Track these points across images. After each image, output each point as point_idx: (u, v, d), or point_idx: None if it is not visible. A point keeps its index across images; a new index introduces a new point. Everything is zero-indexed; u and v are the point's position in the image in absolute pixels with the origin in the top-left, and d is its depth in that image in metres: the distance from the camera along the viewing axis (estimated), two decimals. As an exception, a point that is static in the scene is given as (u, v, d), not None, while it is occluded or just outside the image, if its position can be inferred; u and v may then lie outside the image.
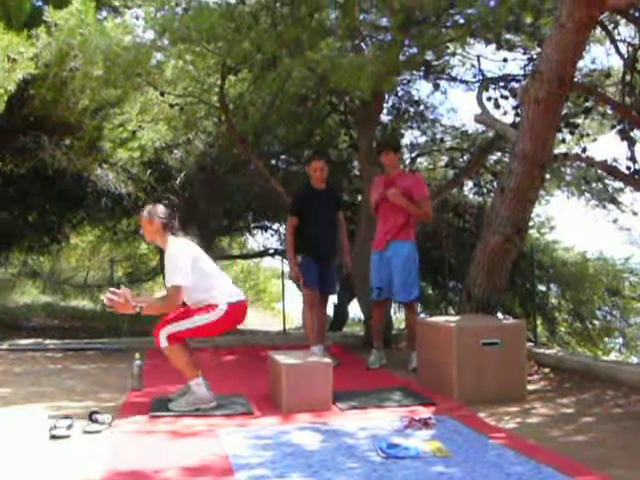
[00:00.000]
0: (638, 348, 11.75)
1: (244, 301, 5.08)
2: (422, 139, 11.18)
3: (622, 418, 4.60)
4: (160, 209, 4.97)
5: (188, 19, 7.26)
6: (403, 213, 6.53)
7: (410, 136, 11.25)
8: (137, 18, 8.95)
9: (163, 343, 4.78)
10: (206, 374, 4.99)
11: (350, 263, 7.01)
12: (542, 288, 11.53)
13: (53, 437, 4.06)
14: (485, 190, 11.48)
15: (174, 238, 4.95)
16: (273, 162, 11.04)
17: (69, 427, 4.15)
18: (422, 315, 11.90)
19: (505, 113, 8.68)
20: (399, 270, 6.51)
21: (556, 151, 8.00)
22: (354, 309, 13.14)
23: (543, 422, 4.58)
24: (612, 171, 7.99)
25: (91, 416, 4.34)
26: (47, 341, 8.49)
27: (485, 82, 8.65)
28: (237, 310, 4.97)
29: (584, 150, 8.62)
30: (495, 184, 10.41)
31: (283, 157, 11.24)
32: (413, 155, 11.19)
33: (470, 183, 11.56)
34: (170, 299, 4.77)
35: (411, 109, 10.57)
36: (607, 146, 9.59)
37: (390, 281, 6.58)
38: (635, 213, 10.99)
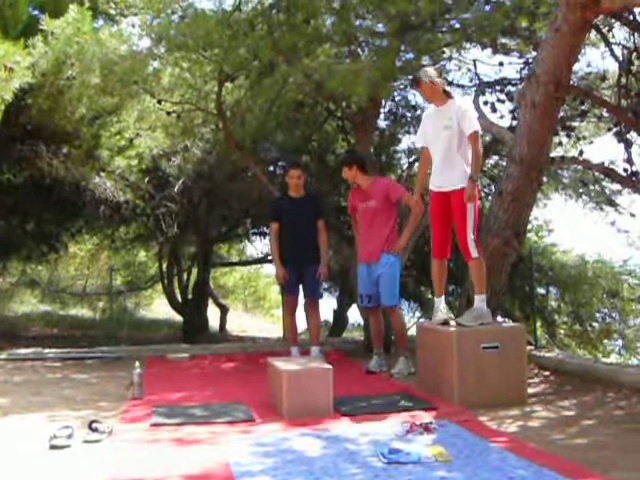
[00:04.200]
0: (638, 350, 11.73)
1: None
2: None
3: (623, 420, 4.59)
4: (432, 72, 5.65)
5: (184, 26, 7.26)
6: (388, 224, 6.62)
7: (407, 141, 11.28)
8: (133, 26, 8.93)
9: (475, 254, 5.48)
10: (206, 381, 5.00)
11: (324, 271, 7.07)
12: (541, 291, 11.51)
13: (53, 447, 4.03)
14: (483, 194, 11.47)
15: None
16: (271, 168, 11.03)
17: (69, 436, 4.13)
18: (421, 320, 11.91)
19: (502, 117, 8.70)
20: (384, 277, 6.60)
21: (553, 154, 8.02)
22: (354, 314, 13.14)
23: (544, 425, 4.57)
24: (609, 173, 7.99)
25: (91, 425, 4.32)
26: (46, 350, 8.48)
27: (481, 86, 8.67)
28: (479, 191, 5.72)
29: (581, 153, 8.63)
30: (493, 188, 10.41)
31: (281, 163, 11.22)
32: (410, 160, 11.17)
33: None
34: (477, 145, 5.42)
35: (408, 114, 10.56)
36: (604, 148, 9.61)
37: (378, 289, 6.67)
38: (633, 215, 10.96)
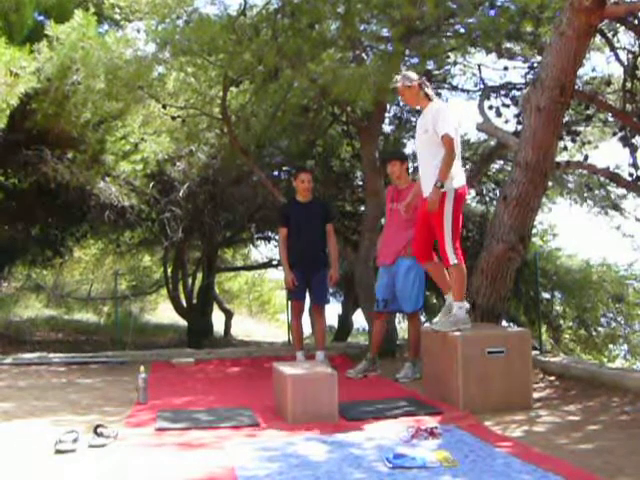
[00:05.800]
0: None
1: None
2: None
3: (629, 425, 4.58)
4: (410, 75, 5.50)
5: (189, 31, 7.29)
6: (410, 230, 6.54)
7: (412, 146, 11.26)
8: (138, 31, 8.99)
9: (453, 260, 5.30)
10: (211, 386, 5.00)
11: (335, 276, 7.07)
12: (546, 296, 11.50)
13: (58, 451, 4.04)
14: (488, 199, 11.48)
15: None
16: (276, 173, 11.05)
17: (74, 441, 4.13)
18: (426, 325, 11.88)
19: (507, 121, 8.71)
20: (403, 281, 6.53)
21: (558, 159, 8.01)
22: (358, 319, 13.12)
23: (549, 430, 4.56)
24: (614, 178, 7.99)
25: (96, 430, 4.32)
26: (51, 355, 8.48)
27: (486, 91, 8.67)
28: (463, 194, 5.39)
29: (586, 157, 8.63)
30: (498, 193, 10.41)
31: (285, 168, 11.24)
32: (415, 164, 11.17)
33: (473, 192, 11.57)
34: (449, 149, 5.18)
35: (413, 119, 10.57)
36: (609, 153, 9.61)
37: (395, 294, 6.61)
38: (638, 219, 10.97)
